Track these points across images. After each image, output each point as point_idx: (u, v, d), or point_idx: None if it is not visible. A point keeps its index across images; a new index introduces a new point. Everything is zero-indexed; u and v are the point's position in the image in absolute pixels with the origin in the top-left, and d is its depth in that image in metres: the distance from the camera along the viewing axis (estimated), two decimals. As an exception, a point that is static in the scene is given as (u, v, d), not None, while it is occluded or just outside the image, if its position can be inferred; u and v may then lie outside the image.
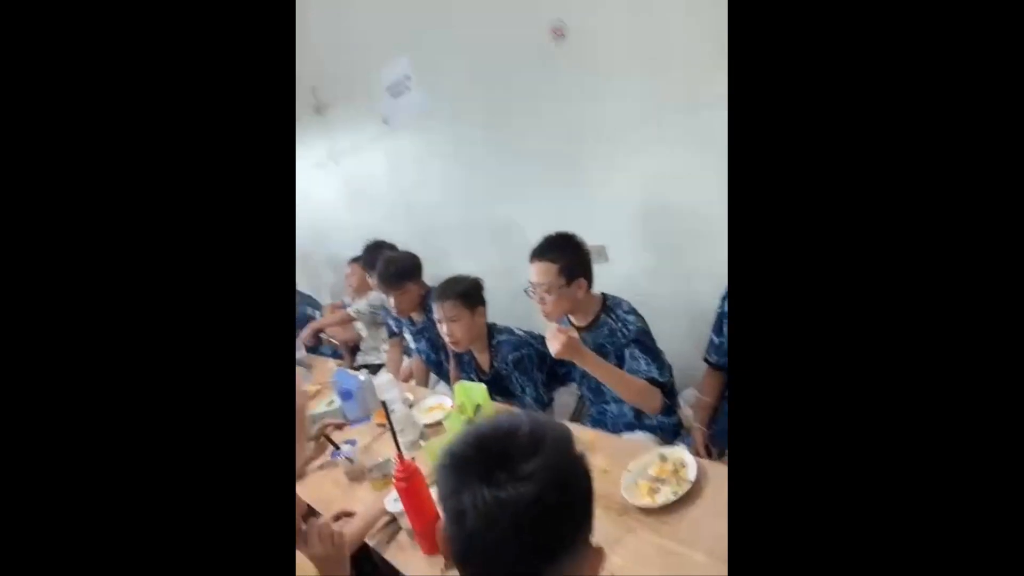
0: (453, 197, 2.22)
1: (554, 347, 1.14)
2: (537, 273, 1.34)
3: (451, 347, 1.57)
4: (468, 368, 1.68)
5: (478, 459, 0.49)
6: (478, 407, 1.24)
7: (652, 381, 1.30)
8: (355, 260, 2.52)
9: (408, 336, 2.07)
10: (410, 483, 0.98)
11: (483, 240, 2.17)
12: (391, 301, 1.85)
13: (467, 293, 1.53)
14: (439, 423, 1.44)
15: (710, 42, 1.28)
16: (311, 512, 1.38)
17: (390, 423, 1.13)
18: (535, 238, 1.40)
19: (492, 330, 1.59)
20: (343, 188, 2.87)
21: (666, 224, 1.63)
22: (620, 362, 1.32)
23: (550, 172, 1.81)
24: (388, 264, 1.85)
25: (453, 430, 1.20)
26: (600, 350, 1.36)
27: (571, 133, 1.69)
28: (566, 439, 0.51)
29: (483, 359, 1.61)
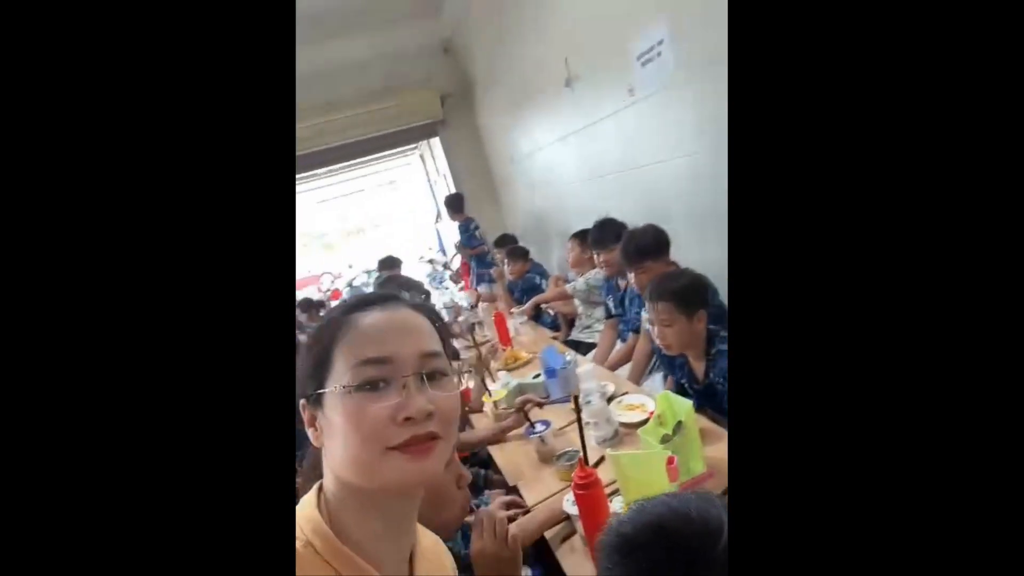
0: (690, 180, 2.00)
1: None
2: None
3: (664, 351, 1.43)
4: (680, 372, 1.52)
5: (658, 557, 0.39)
6: (679, 424, 1.09)
7: None
8: (575, 236, 2.52)
9: (645, 315, 1.99)
10: (589, 492, 0.92)
11: (718, 233, 1.91)
12: (631, 277, 1.78)
13: (685, 294, 1.34)
14: (638, 424, 1.33)
15: None
16: (480, 484, 1.45)
17: (580, 423, 1.09)
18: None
19: (713, 338, 1.39)
20: (581, 162, 2.87)
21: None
22: None
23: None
24: (630, 239, 1.77)
25: (648, 442, 1.09)
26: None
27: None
28: None
29: (698, 368, 1.43)
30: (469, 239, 4.04)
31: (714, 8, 1.63)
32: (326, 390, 0.47)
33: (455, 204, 4.06)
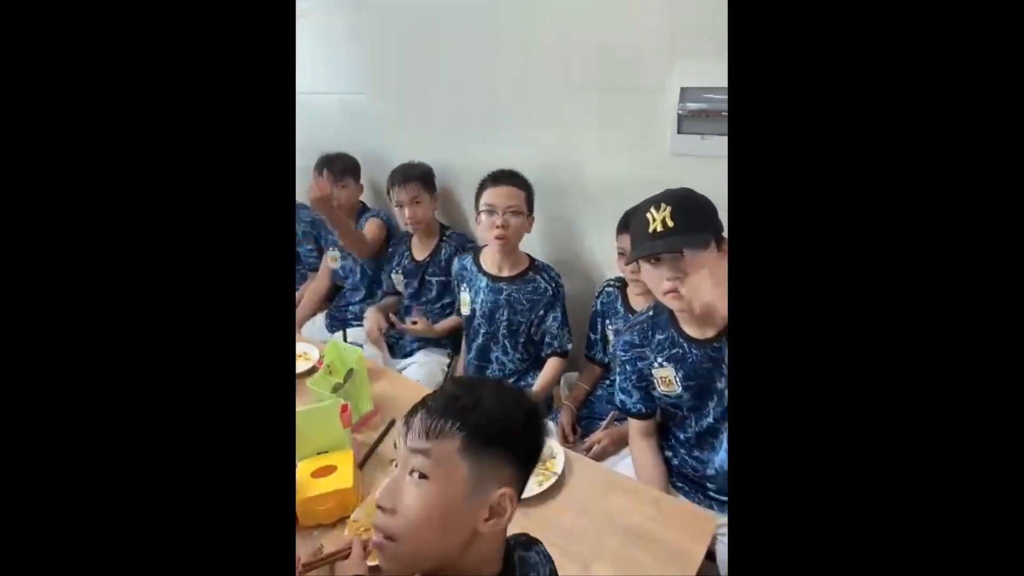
0: (353, 118, 1.97)
1: None
2: (506, 195, 1.29)
3: (412, 228, 1.58)
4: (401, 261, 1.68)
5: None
6: (350, 371, 1.14)
7: (564, 354, 1.40)
8: None
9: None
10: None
11: (370, 176, 1.96)
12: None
13: (427, 176, 1.59)
14: (302, 375, 1.30)
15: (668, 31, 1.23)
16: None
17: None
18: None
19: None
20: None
21: (571, 198, 1.57)
22: (540, 321, 1.39)
23: (469, 110, 1.65)
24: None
25: (319, 393, 1.09)
26: (516, 305, 1.38)
27: (500, 77, 1.54)
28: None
29: (424, 248, 1.63)
30: None
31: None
32: None
33: None
